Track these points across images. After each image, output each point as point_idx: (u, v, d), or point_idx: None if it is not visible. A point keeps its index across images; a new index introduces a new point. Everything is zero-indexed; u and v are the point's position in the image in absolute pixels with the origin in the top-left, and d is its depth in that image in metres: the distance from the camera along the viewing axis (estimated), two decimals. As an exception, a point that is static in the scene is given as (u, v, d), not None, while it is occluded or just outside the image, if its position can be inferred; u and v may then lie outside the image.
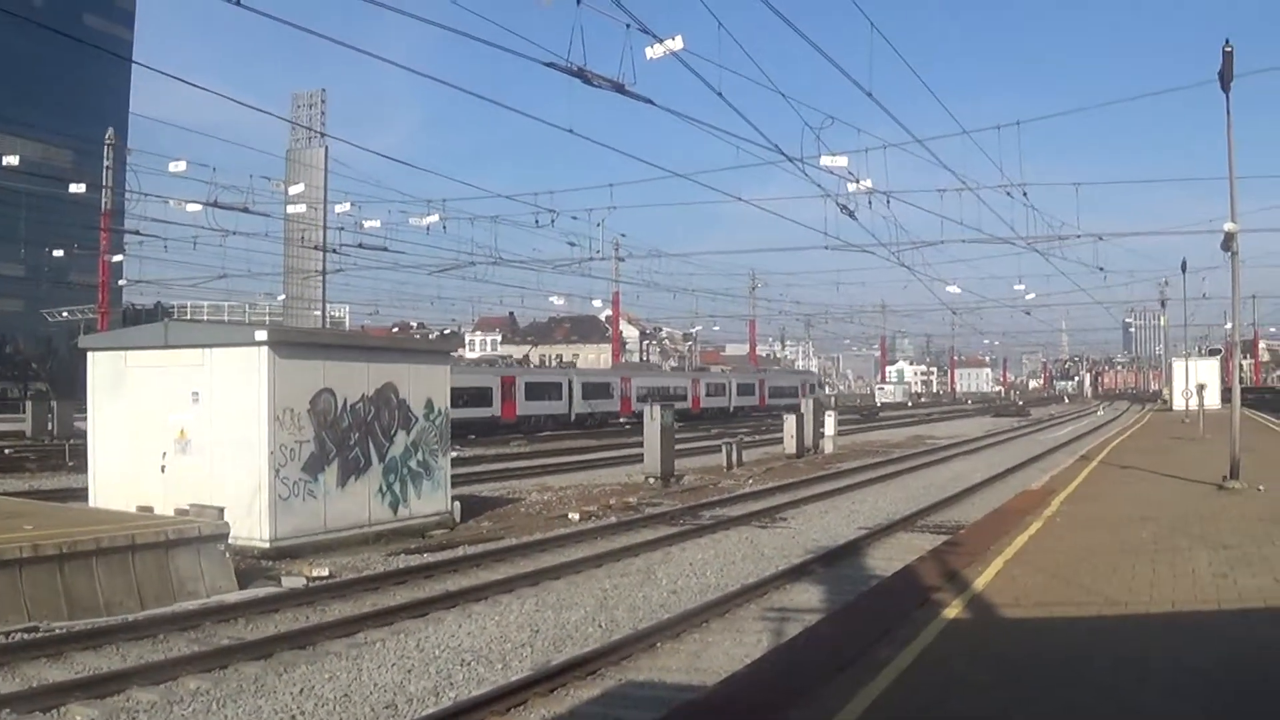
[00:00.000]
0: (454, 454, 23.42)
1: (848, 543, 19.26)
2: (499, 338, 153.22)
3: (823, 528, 21.89)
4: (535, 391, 64.51)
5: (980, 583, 12.08)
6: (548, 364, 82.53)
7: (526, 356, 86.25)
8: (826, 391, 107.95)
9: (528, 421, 62.59)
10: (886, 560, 17.33)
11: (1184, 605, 10.65)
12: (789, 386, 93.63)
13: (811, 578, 16.06)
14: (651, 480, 29.92)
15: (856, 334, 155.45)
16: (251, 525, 17.29)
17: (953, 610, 10.74)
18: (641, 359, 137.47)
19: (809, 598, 14.68)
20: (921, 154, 30.37)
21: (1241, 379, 32.32)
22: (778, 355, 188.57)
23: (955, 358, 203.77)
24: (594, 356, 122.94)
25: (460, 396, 55.07)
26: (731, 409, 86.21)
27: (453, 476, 22.43)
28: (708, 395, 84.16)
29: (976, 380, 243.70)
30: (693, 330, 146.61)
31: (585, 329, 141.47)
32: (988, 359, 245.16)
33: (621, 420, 68.69)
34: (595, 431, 61.23)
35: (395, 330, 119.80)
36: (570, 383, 68.42)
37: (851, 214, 31.60)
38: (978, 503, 25.17)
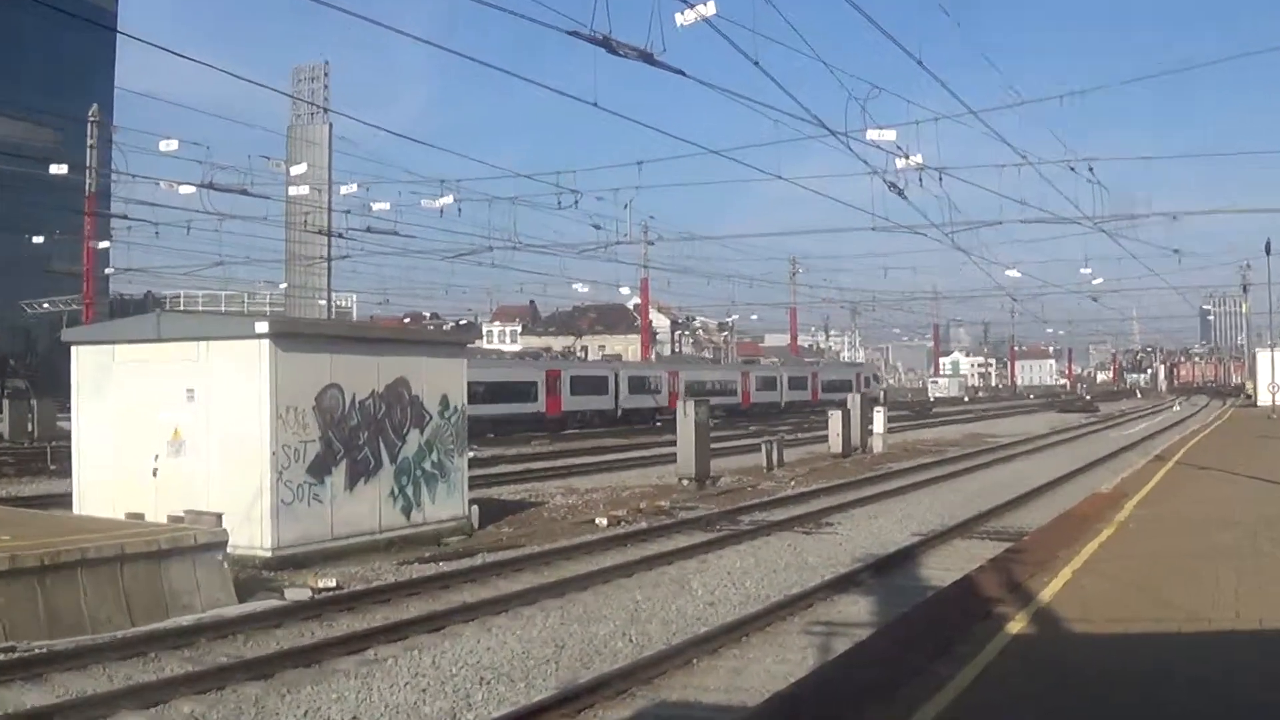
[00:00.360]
0: (471, 454, 23.49)
1: (900, 550, 19.20)
2: (519, 328, 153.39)
3: (872, 534, 21.85)
4: (581, 386, 65.31)
5: (1047, 594, 12.02)
6: (572, 357, 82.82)
7: (569, 349, 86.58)
8: (882, 385, 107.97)
9: (573, 417, 63.52)
10: (943, 569, 17.26)
11: (1273, 622, 10.55)
12: (843, 380, 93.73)
13: (861, 588, 16.02)
14: (685, 482, 29.93)
15: (907, 323, 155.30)
16: (252, 533, 17.36)
17: (1017, 624, 10.68)
18: (673, 351, 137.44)
19: (858, 610, 14.64)
20: (976, 127, 30.21)
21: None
22: (821, 346, 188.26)
23: (1015, 348, 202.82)
24: (621, 348, 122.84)
25: (503, 391, 55.87)
26: (783, 404, 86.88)
27: (470, 478, 22.50)
28: (758, 390, 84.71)
29: (1039, 373, 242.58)
30: (729, 319, 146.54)
31: (612, 318, 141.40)
32: (1051, 350, 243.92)
33: (657, 421, 68.82)
34: (623, 430, 61.33)
35: (407, 321, 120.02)
36: (616, 377, 69.26)
37: (900, 192, 31.53)
38: (1043, 507, 25.04)
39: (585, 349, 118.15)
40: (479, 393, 56.52)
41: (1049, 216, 43.99)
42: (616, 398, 68.31)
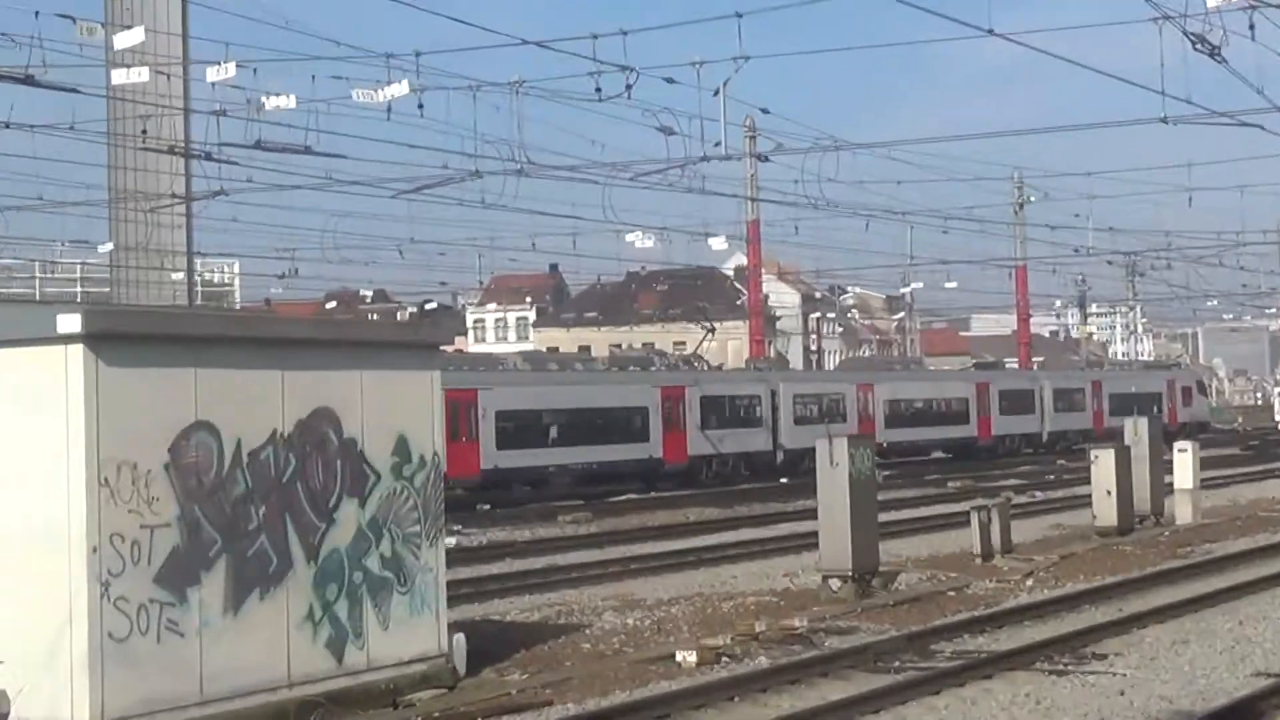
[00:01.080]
0: (452, 541, 23.52)
1: (1235, 704, 18.99)
2: (532, 314, 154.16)
3: (1179, 672, 21.74)
4: (716, 413, 66.30)
5: None
6: (700, 362, 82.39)
7: (702, 352, 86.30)
8: (1210, 401, 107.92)
9: (707, 465, 64.97)
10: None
11: None
12: (1147, 394, 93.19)
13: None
14: (835, 583, 29.81)
15: (1230, 289, 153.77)
16: (55, 695, 17.29)
17: None
18: (808, 346, 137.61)
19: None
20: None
21: None
22: (1073, 333, 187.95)
23: None
24: (714, 343, 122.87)
25: (601, 423, 58.29)
26: (1045, 436, 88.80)
27: (453, 584, 22.52)
28: (1003, 413, 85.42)
29: None
30: (905, 289, 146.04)
31: (698, 294, 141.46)
32: None
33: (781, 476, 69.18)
34: (727, 494, 60.82)
35: (331, 307, 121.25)
36: (774, 395, 70.22)
37: (1214, 51, 31.28)
38: None
39: (654, 345, 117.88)
40: (543, 427, 57.39)
41: None
42: (775, 430, 69.16)
